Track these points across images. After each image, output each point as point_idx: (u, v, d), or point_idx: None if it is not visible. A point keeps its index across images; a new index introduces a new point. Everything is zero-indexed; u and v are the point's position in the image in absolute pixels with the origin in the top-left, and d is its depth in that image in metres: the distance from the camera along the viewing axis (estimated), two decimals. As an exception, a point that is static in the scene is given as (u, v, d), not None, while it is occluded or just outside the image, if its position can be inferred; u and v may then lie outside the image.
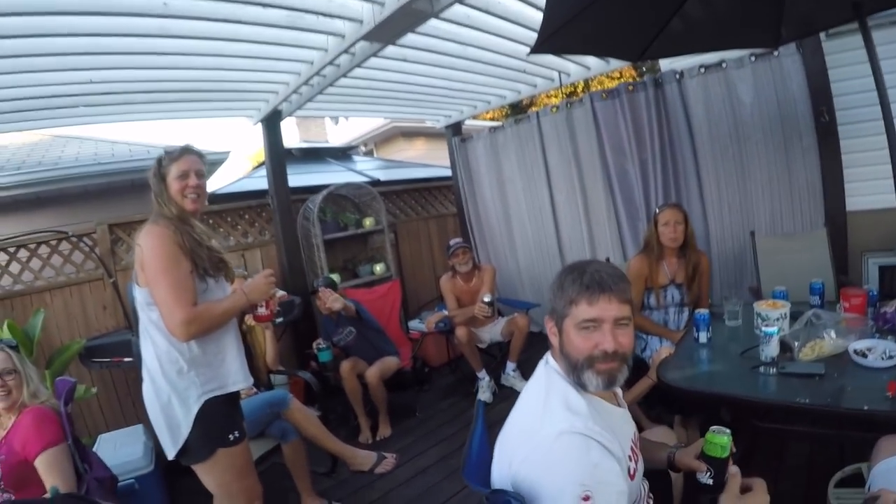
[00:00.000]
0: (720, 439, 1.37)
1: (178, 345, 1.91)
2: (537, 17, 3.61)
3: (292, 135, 13.02)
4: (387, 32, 3.26)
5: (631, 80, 7.31)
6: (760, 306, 2.56)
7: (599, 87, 8.17)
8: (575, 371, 1.35)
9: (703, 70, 4.17)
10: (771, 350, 2.16)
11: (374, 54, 3.65)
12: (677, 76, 4.30)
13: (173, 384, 1.92)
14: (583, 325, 1.34)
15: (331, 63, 3.69)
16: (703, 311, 2.55)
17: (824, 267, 3.56)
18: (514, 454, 1.32)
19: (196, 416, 1.93)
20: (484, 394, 4.23)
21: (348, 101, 4.94)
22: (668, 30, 2.62)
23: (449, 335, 4.65)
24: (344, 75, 3.93)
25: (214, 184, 6.89)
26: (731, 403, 2.12)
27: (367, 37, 3.27)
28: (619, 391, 1.54)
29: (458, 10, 3.42)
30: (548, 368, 1.44)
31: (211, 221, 4.80)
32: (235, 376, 2.07)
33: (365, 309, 4.08)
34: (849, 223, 3.81)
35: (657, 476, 1.63)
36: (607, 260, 4.08)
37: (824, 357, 2.12)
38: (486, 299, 4.08)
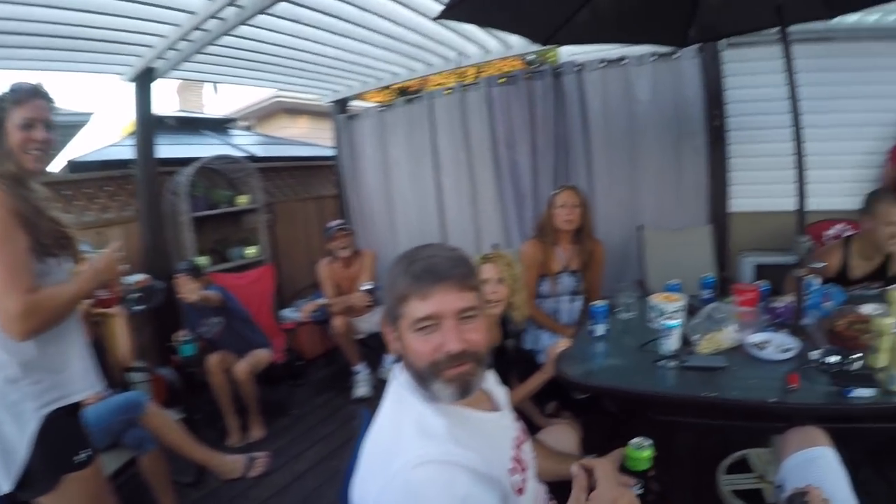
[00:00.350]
0: (643, 454, 1.22)
1: (10, 344, 1.49)
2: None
3: (171, 103, 11.98)
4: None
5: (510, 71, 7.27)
6: (656, 299, 2.52)
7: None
8: (422, 382, 1.13)
9: (603, 64, 4.20)
10: (672, 343, 2.14)
11: (265, 10, 3.26)
12: (577, 68, 4.29)
13: (2, 397, 1.50)
14: (419, 325, 1.11)
15: (215, 16, 3.24)
16: (600, 304, 2.48)
17: (706, 263, 3.74)
18: (368, 491, 1.07)
19: (34, 435, 1.52)
20: (362, 388, 4.00)
21: (232, 65, 4.43)
22: (577, 17, 2.57)
23: (325, 325, 4.35)
24: (229, 32, 3.48)
25: (74, 151, 6.07)
26: (637, 399, 2.03)
27: (260, -16, 2.88)
28: (494, 391, 1.35)
29: (363, -32, 3.12)
30: (397, 384, 1.21)
31: (70, 193, 4.11)
32: (81, 382, 1.68)
33: (233, 297, 3.71)
34: (730, 223, 4.03)
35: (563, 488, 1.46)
36: (495, 247, 4.00)
37: (723, 350, 2.13)
38: (367, 287, 3.86)
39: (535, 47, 4.61)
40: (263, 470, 2.97)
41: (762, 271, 3.93)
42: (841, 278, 2.76)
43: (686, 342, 2.20)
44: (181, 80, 8.38)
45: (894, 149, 3.71)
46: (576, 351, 2.34)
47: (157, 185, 4.40)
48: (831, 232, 3.63)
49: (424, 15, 3.79)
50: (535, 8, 2.53)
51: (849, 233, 3.26)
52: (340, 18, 3.73)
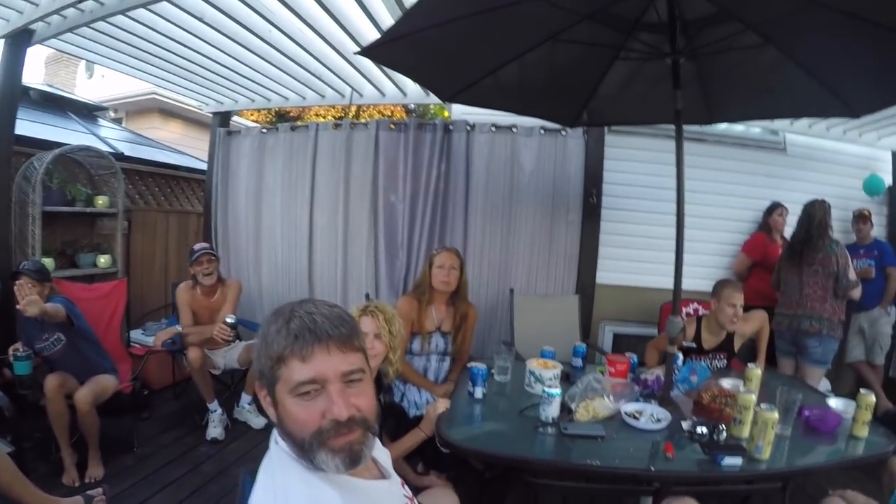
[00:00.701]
0: None
1: None
2: (360, 23, 3.45)
3: (36, 75, 10.59)
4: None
5: (401, 119, 7.35)
6: (534, 364, 2.61)
7: (369, 119, 8.11)
8: (304, 454, 1.00)
9: (493, 129, 4.38)
10: (553, 411, 2.17)
11: (169, -5, 3.01)
12: (468, 127, 4.43)
13: None
14: (299, 389, 0.99)
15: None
16: (480, 366, 2.48)
17: (572, 329, 3.96)
18: None
19: None
20: (215, 429, 3.62)
21: (117, 47, 4.03)
22: (482, 81, 2.68)
23: (177, 355, 3.95)
24: (125, 11, 3.18)
25: None
26: (518, 464, 2.03)
27: (170, -30, 2.65)
28: (380, 456, 1.26)
29: (284, -20, 3.01)
30: (278, 451, 1.05)
31: None
32: None
33: (80, 313, 3.21)
34: (596, 293, 4.34)
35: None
36: (366, 297, 3.92)
37: (598, 419, 2.20)
38: (230, 320, 3.55)
39: (430, 99, 4.71)
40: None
41: (619, 340, 4.36)
42: (696, 349, 3.16)
43: (564, 409, 2.24)
44: (53, 52, 7.52)
45: (746, 243, 4.35)
46: (455, 412, 2.29)
47: (9, 167, 3.83)
48: (688, 310, 4.06)
49: (331, 45, 3.73)
50: (447, 67, 2.61)
51: (701, 311, 3.78)
52: (245, 27, 3.56)
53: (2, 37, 3.64)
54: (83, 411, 2.89)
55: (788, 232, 4.06)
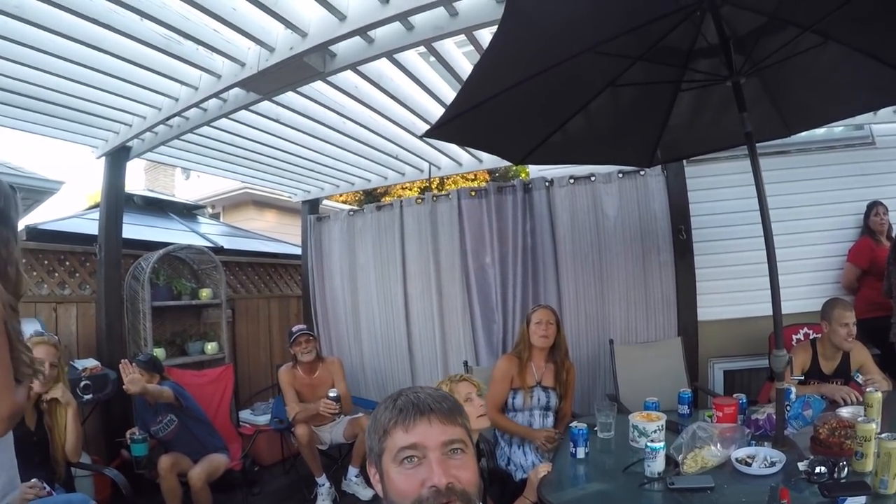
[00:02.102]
0: None
1: None
2: (425, 103, 3.62)
3: (137, 181, 11.89)
4: (268, 83, 2.97)
5: (484, 183, 7.48)
6: (636, 418, 2.50)
7: (454, 187, 8.32)
8: None
9: (572, 181, 4.37)
10: (657, 465, 2.06)
11: (248, 106, 3.35)
12: (547, 183, 4.45)
13: None
14: (401, 455, 1.03)
15: (198, 105, 3.30)
16: (581, 426, 2.42)
17: (678, 373, 3.76)
18: None
19: None
20: (324, 502, 3.73)
21: (206, 153, 4.48)
22: (550, 139, 2.72)
23: (284, 432, 4.13)
24: (209, 123, 3.54)
25: (37, 217, 5.89)
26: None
27: (246, 84, 2.96)
28: None
29: (348, 78, 3.27)
30: None
31: (24, 261, 3.93)
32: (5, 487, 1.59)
33: (188, 395, 3.49)
34: (699, 332, 4.11)
35: None
36: (465, 364, 3.99)
37: (708, 468, 2.07)
38: (333, 394, 3.70)
39: (506, 162, 4.81)
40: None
41: (730, 376, 4.11)
42: (815, 374, 2.98)
43: (671, 462, 2.13)
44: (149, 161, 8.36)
45: (850, 250, 3.98)
46: (558, 475, 2.23)
47: (119, 267, 4.26)
48: (799, 336, 3.78)
49: (402, 126, 3.94)
50: (512, 131, 2.68)
51: (813, 335, 3.47)
52: (320, 122, 3.84)
53: (103, 154, 4.12)
54: (196, 488, 3.08)
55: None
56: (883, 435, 1.73)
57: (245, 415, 4.70)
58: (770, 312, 2.22)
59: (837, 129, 4.33)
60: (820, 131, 4.30)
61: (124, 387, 3.05)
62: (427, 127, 2.58)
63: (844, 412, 2.24)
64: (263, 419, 4.62)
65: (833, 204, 4.14)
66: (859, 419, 1.98)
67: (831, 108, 2.71)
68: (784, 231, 3.50)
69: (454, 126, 2.33)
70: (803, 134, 3.97)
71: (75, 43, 2.70)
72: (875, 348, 3.49)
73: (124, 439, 3.14)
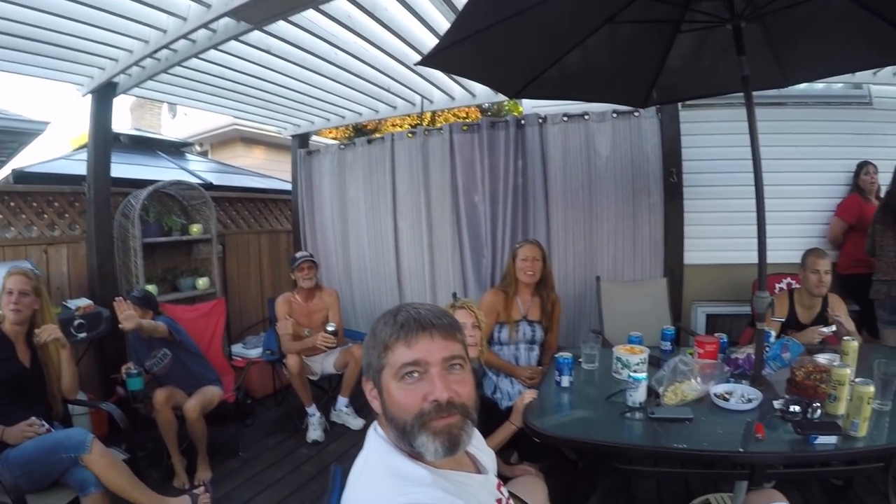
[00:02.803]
0: None
1: None
2: (419, 33, 3.54)
3: (123, 120, 11.62)
4: (259, 12, 2.87)
5: (478, 119, 7.33)
6: (620, 351, 2.58)
7: (444, 123, 8.19)
8: (405, 437, 1.06)
9: (565, 118, 4.34)
10: (639, 396, 2.14)
11: (237, 37, 3.24)
12: (540, 120, 4.41)
13: None
14: (403, 371, 1.06)
15: (186, 36, 3.19)
16: (566, 355, 2.49)
17: (662, 314, 3.86)
18: None
19: None
20: (315, 432, 3.84)
21: (195, 87, 4.36)
22: (546, 74, 2.69)
23: (276, 364, 4.21)
24: (198, 55, 3.44)
25: (25, 159, 5.78)
26: (605, 450, 2.03)
27: (235, 13, 2.86)
28: (480, 453, 1.30)
29: (340, 6, 3.15)
30: (376, 437, 1.13)
31: (12, 204, 3.91)
32: None
33: (182, 329, 3.52)
34: (684, 275, 4.20)
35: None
36: (454, 296, 4.04)
37: (687, 401, 2.16)
38: (331, 328, 3.77)
39: (499, 98, 4.74)
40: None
41: (713, 320, 4.22)
42: (793, 324, 3.06)
43: (652, 393, 2.22)
44: (136, 98, 8.19)
45: (839, 205, 4.05)
46: (542, 402, 2.31)
47: (109, 206, 4.22)
48: (781, 285, 3.85)
49: (395, 58, 3.86)
50: (508, 63, 2.63)
51: (794, 286, 3.57)
52: (312, 53, 3.75)
53: (89, 92, 4.01)
54: (192, 419, 3.16)
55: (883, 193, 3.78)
56: (857, 380, 1.81)
57: (237, 348, 4.77)
58: (754, 260, 2.27)
59: (836, 85, 4.32)
60: (818, 86, 4.30)
61: (120, 325, 3.05)
62: (420, 58, 2.51)
63: (821, 358, 2.31)
64: (255, 352, 4.70)
65: (825, 160, 4.17)
66: (835, 364, 2.08)
67: (831, 62, 2.70)
68: (774, 182, 3.52)
69: (449, 54, 2.29)
70: (801, 87, 4.00)
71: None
72: (855, 304, 3.61)
73: (120, 375, 3.18)
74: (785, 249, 3.68)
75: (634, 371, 2.20)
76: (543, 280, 3.23)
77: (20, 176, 4.36)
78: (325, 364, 4.10)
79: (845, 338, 2.47)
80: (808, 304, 3.08)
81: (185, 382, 3.39)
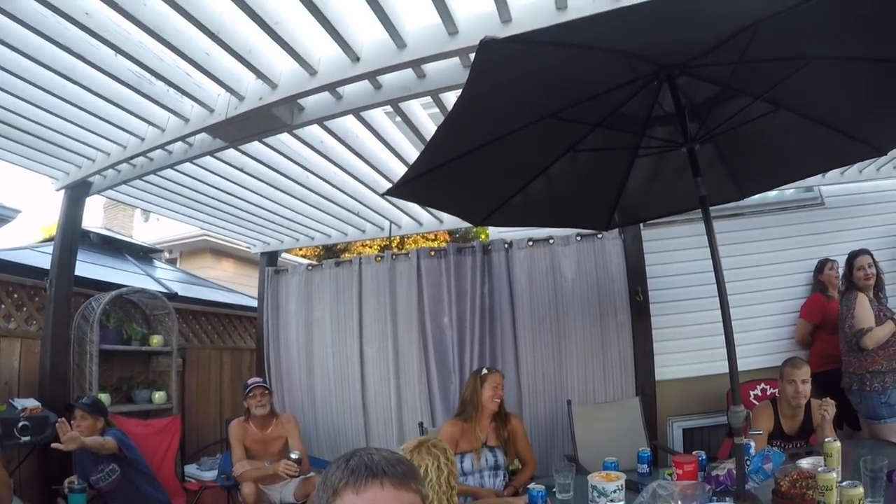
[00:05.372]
0: None
1: None
2: (389, 161, 3.70)
3: (95, 217, 11.57)
4: (235, 131, 3.00)
5: (445, 243, 7.50)
6: (595, 479, 2.45)
7: (414, 246, 8.33)
8: None
9: (531, 243, 4.46)
10: (618, 528, 2.01)
11: (213, 153, 3.35)
12: (506, 245, 4.52)
13: None
14: None
15: (163, 147, 3.30)
16: (539, 487, 2.40)
17: (637, 433, 3.76)
18: None
19: None
20: (271, 564, 3.52)
21: (167, 196, 4.42)
22: (511, 201, 2.80)
23: (231, 489, 3.93)
24: (173, 165, 3.52)
25: None
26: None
27: (213, 130, 2.98)
28: None
29: (314, 132, 3.33)
30: None
31: None
32: None
33: (133, 445, 3.33)
34: (657, 392, 4.15)
35: None
36: (420, 425, 3.93)
37: (672, 529, 2.03)
38: (294, 456, 3.56)
39: (467, 224, 4.88)
40: None
41: (689, 434, 4.17)
42: (778, 435, 3.01)
43: (632, 523, 2.11)
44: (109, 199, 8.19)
45: (802, 307, 4.14)
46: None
47: (69, 306, 4.09)
48: (756, 391, 3.86)
49: (364, 184, 4.00)
50: (473, 193, 2.75)
51: (770, 391, 3.64)
52: (283, 174, 3.86)
53: (63, 187, 4.02)
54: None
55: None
56: (843, 483, 1.77)
57: (191, 469, 4.48)
58: (726, 370, 2.26)
59: (788, 191, 4.59)
60: (772, 194, 4.53)
61: (61, 445, 2.85)
62: (389, 185, 2.62)
63: (804, 463, 2.27)
64: (210, 475, 4.38)
65: (786, 263, 4.36)
66: (819, 469, 2.01)
67: (782, 171, 2.89)
68: (739, 290, 3.64)
69: (416, 185, 2.37)
70: (756, 196, 4.19)
71: (46, 69, 2.68)
72: (831, 401, 3.58)
73: (62, 488, 2.96)
74: (755, 356, 3.74)
75: (611, 500, 2.13)
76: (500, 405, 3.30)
77: None
78: (283, 493, 3.81)
79: (826, 439, 2.42)
80: (790, 413, 3.04)
81: (131, 501, 3.19)
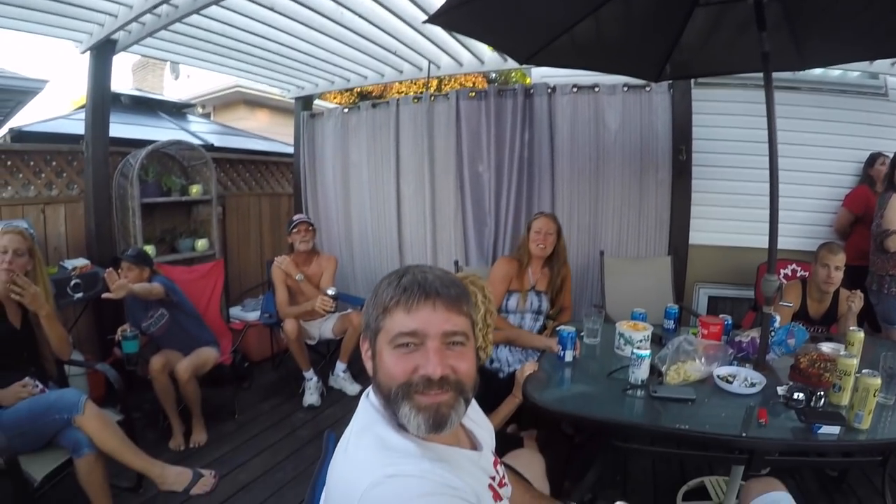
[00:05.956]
0: None
1: None
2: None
3: (125, 81, 11.46)
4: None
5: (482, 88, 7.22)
6: (623, 327, 2.55)
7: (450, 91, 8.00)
8: (390, 405, 0.99)
9: (575, 90, 4.25)
10: (642, 373, 2.12)
11: (239, -9, 3.13)
12: (549, 90, 4.32)
13: None
14: (398, 340, 0.98)
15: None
16: (569, 329, 2.46)
17: (664, 291, 3.86)
18: None
19: None
20: (311, 396, 3.84)
21: (196, 46, 4.23)
22: (558, 41, 2.61)
23: (274, 327, 4.19)
24: (199, 10, 3.33)
25: (23, 119, 5.66)
26: (605, 427, 2.01)
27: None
28: (477, 428, 1.23)
29: (348, -37, 3.05)
30: (366, 405, 1.07)
31: (9, 163, 3.83)
32: None
33: (179, 289, 3.47)
34: (689, 254, 4.17)
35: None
36: (455, 263, 4.00)
37: (690, 382, 2.14)
38: (331, 292, 3.72)
39: (508, 65, 4.63)
40: (208, 490, 2.71)
41: (714, 302, 4.22)
42: (802, 316, 3.01)
43: (655, 371, 2.20)
44: (138, 59, 8.05)
45: (847, 196, 3.98)
46: (543, 375, 2.29)
47: (107, 165, 4.13)
48: (786, 271, 3.83)
49: (402, 19, 3.75)
50: (519, 28, 2.55)
51: (800, 273, 3.59)
52: (316, 11, 3.65)
53: (87, 49, 3.90)
54: (183, 381, 3.14)
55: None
56: (863, 371, 1.79)
57: (235, 311, 4.76)
58: (759, 244, 2.24)
59: (852, 74, 4.22)
60: (833, 73, 4.21)
61: (111, 294, 2.93)
62: (426, 18, 2.42)
63: (825, 346, 2.29)
64: (253, 315, 4.69)
65: (837, 148, 4.10)
66: (841, 353, 2.05)
67: (850, 49, 2.61)
68: (784, 167, 3.46)
69: (459, 13, 2.20)
70: (816, 73, 3.98)
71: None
72: (860, 293, 3.58)
73: (116, 336, 3.11)
74: (790, 236, 3.67)
75: (637, 348, 2.18)
76: (556, 253, 3.22)
77: (18, 135, 4.29)
78: (323, 329, 4.08)
79: (851, 328, 2.45)
80: (818, 297, 3.04)
81: (181, 343, 3.37)
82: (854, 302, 2.92)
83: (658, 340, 2.59)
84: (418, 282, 1.00)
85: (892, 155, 3.72)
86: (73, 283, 3.47)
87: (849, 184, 4.09)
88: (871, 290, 3.42)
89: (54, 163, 4.12)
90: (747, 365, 2.28)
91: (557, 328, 2.55)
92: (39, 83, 5.48)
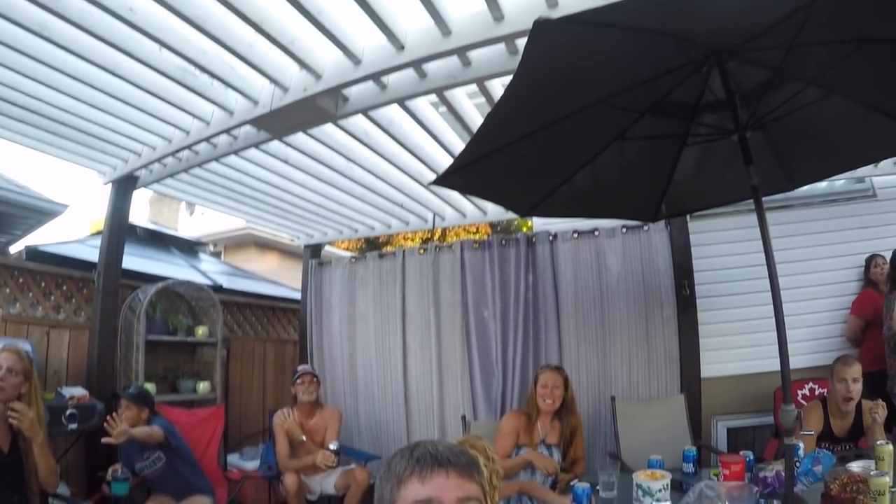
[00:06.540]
0: None
1: None
2: (433, 151, 3.69)
3: (141, 211, 11.97)
4: (279, 123, 3.03)
5: (486, 236, 7.49)
6: (640, 477, 2.40)
7: (455, 239, 8.27)
8: None
9: (575, 235, 4.39)
10: (663, 526, 1.96)
11: (258, 144, 3.39)
12: (550, 237, 4.46)
13: None
14: None
15: (208, 139, 3.35)
16: (584, 486, 2.34)
17: (681, 430, 3.67)
18: None
19: None
20: (311, 559, 3.56)
21: (212, 189, 4.51)
22: (557, 192, 2.75)
23: (273, 480, 3.98)
24: (218, 158, 3.58)
25: (38, 238, 5.88)
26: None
27: (258, 122, 3.01)
28: None
29: (358, 123, 3.33)
30: None
31: (21, 280, 3.93)
32: None
33: (178, 433, 3.36)
34: (703, 388, 4.04)
35: None
36: (463, 419, 3.92)
37: (719, 529, 1.97)
38: (333, 447, 3.60)
39: (511, 215, 4.83)
40: None
41: (734, 434, 4.07)
42: (827, 436, 2.88)
43: (676, 522, 2.05)
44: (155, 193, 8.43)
45: (854, 303, 3.98)
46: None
47: (116, 297, 4.20)
48: (804, 391, 3.75)
49: (409, 175, 3.99)
50: (519, 183, 2.72)
51: (819, 391, 3.54)
52: (328, 166, 3.89)
53: (110, 181, 4.13)
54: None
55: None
56: None
57: (233, 459, 4.57)
58: (773, 368, 2.17)
59: (839, 182, 4.39)
60: (821, 185, 4.36)
61: (111, 440, 2.84)
62: (434, 176, 2.61)
63: (855, 466, 2.18)
64: (252, 464, 4.48)
65: (835, 257, 4.19)
66: (872, 472, 1.94)
67: (834, 160, 2.74)
68: (787, 286, 3.49)
69: (462, 175, 2.36)
70: (804, 188, 4.04)
71: (92, 66, 2.75)
72: (883, 402, 3.45)
73: (106, 476, 3.00)
74: (804, 354, 3.62)
75: (657, 499, 2.09)
76: (564, 405, 3.21)
77: (33, 253, 4.42)
78: (324, 484, 3.87)
79: (878, 442, 2.31)
80: (840, 414, 2.90)
81: (175, 489, 3.20)
82: (878, 413, 2.76)
83: (679, 487, 2.44)
84: (430, 453, 1.04)
85: (886, 255, 3.79)
86: (68, 412, 3.41)
87: (853, 290, 4.10)
88: (892, 393, 3.29)
89: (65, 287, 4.21)
90: (775, 501, 2.14)
91: (571, 483, 2.44)
92: (60, 207, 5.71)
